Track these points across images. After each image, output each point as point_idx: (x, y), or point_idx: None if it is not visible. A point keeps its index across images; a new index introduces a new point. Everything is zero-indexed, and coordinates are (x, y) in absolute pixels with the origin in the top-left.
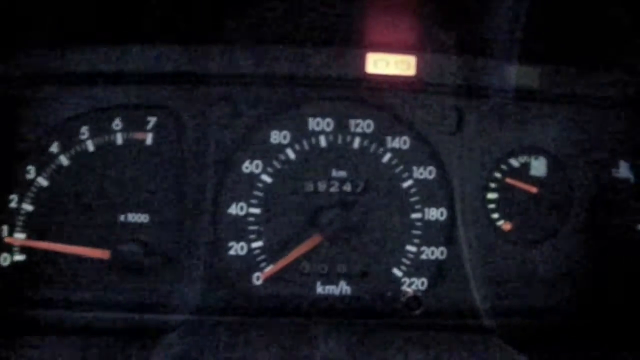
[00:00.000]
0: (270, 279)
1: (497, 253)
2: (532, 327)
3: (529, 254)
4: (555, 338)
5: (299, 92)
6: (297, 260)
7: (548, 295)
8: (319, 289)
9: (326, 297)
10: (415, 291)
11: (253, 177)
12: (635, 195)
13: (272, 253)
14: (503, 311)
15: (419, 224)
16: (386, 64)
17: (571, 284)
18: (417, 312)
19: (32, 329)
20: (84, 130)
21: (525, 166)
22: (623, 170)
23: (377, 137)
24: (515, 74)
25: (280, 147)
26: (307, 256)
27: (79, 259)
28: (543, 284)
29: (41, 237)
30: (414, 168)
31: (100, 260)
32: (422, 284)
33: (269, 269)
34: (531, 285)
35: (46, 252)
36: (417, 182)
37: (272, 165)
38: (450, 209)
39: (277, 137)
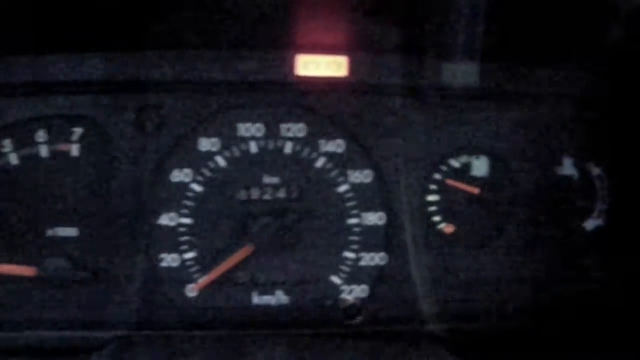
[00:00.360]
0: (205, 291)
1: (440, 257)
2: (478, 332)
3: (472, 256)
4: (503, 343)
5: (227, 97)
6: (232, 270)
7: (494, 298)
8: (255, 299)
9: (263, 308)
10: (355, 299)
11: (183, 187)
12: (580, 193)
13: (205, 264)
14: (448, 317)
15: (356, 229)
16: (317, 65)
17: (517, 286)
18: (357, 320)
19: None
20: (6, 143)
21: (466, 166)
22: (567, 168)
23: (310, 141)
24: (453, 72)
25: (210, 155)
26: (242, 266)
27: (4, 277)
28: (489, 287)
29: None
30: (350, 172)
31: (28, 278)
32: (363, 291)
33: (202, 280)
34: (476, 289)
35: None
36: (353, 186)
37: (202, 174)
38: (389, 213)
39: (206, 144)
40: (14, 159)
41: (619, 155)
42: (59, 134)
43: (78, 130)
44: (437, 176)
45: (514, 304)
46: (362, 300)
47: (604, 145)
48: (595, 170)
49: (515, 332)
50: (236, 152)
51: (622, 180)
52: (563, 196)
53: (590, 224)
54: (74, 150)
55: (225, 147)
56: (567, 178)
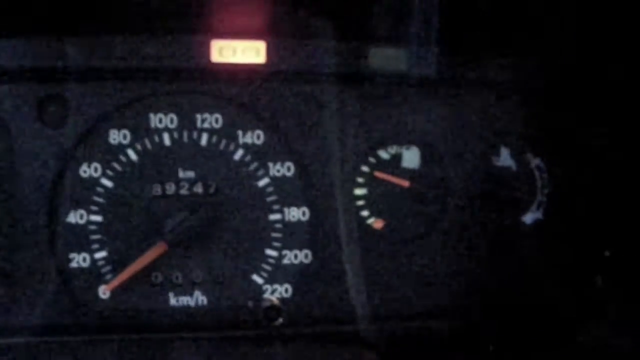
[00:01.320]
0: (118, 292)
1: (369, 254)
2: (410, 333)
3: (404, 253)
4: (436, 343)
5: (137, 86)
6: (147, 270)
7: (427, 296)
8: (173, 301)
9: (181, 309)
10: (278, 299)
11: (92, 182)
12: (518, 185)
13: (117, 264)
14: (377, 317)
15: (278, 225)
16: (233, 51)
17: (452, 282)
18: (278, 321)
19: None
20: None
21: (396, 158)
22: (504, 159)
23: (228, 133)
24: (380, 57)
25: (120, 148)
26: (157, 265)
27: None
28: (422, 285)
29: None
30: (270, 165)
31: None
32: (287, 290)
33: (113, 281)
34: (409, 287)
35: None
36: (274, 180)
37: (112, 168)
38: (313, 208)
39: (116, 136)
40: None
41: (558, 146)
42: None
43: None
44: (365, 168)
45: (447, 302)
46: (285, 300)
47: (543, 135)
48: (535, 161)
49: (450, 331)
50: (148, 145)
51: (562, 171)
52: (500, 188)
53: (529, 218)
54: None
55: (136, 139)
56: (505, 169)
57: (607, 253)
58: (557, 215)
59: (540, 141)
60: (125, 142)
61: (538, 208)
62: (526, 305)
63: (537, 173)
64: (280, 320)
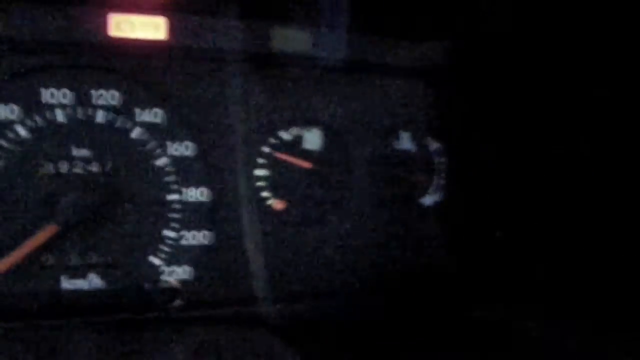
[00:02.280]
0: (6, 275)
1: (270, 235)
2: (310, 313)
3: (305, 234)
4: (336, 323)
5: (27, 59)
6: (38, 252)
7: (329, 278)
8: (65, 284)
9: (73, 293)
10: (177, 281)
11: None
12: (418, 167)
13: (5, 245)
14: (277, 298)
15: (177, 206)
16: (131, 26)
17: (354, 264)
18: (176, 303)
19: None
20: None
21: (298, 139)
22: (404, 141)
23: (125, 110)
24: (284, 38)
25: (8, 124)
26: (48, 247)
27: None
28: (322, 266)
29: None
30: (169, 144)
31: None
32: (186, 272)
33: (1, 263)
34: (309, 268)
35: None
36: (173, 159)
37: (0, 145)
38: (214, 188)
39: (4, 111)
40: None
41: (457, 130)
42: None
43: None
44: (266, 149)
45: (351, 283)
46: (185, 282)
47: (442, 119)
48: (434, 145)
49: (350, 311)
50: (40, 122)
51: (460, 155)
52: (400, 171)
53: (428, 200)
54: None
55: (26, 115)
56: (405, 152)
57: (498, 234)
58: (455, 197)
59: (440, 126)
60: (13, 117)
61: (437, 190)
62: (423, 285)
63: (436, 157)
64: (179, 302)
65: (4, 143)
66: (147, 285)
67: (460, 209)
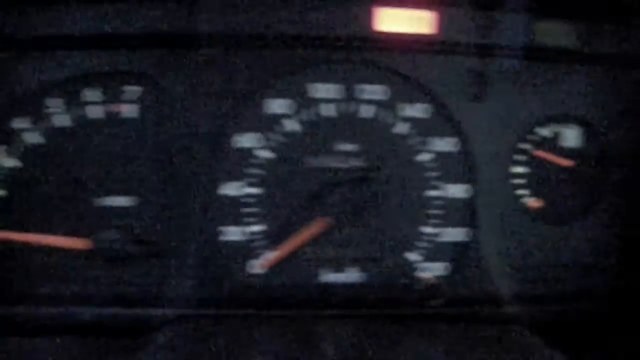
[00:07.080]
0: (268, 267)
1: (525, 234)
2: (563, 315)
3: (559, 234)
4: (590, 326)
5: (299, 54)
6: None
7: (582, 279)
8: (324, 277)
9: (332, 286)
10: (434, 278)
11: (249, 153)
12: None
13: (272, 238)
14: (532, 298)
15: (438, 202)
16: (398, 20)
17: (606, 266)
18: (436, 301)
19: (5, 328)
20: (53, 102)
21: (556, 136)
22: None
23: (391, 105)
24: (545, 32)
25: (279, 118)
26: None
27: (56, 249)
28: (575, 268)
29: (13, 226)
30: (433, 139)
31: (80, 251)
32: (442, 269)
33: (269, 257)
34: (563, 269)
35: (19, 243)
36: (436, 155)
37: (270, 139)
38: (474, 185)
39: (275, 106)
40: (61, 121)
41: None
42: (110, 93)
43: (132, 89)
44: (524, 146)
45: (603, 286)
46: (442, 279)
47: None
48: None
49: (604, 315)
50: (308, 116)
51: None
52: None
53: None
54: (128, 111)
55: (296, 110)
56: None
57: None
58: None
59: None
60: (284, 112)
61: None
62: None
63: None
64: (438, 299)
65: (274, 137)
66: (406, 281)
67: None
